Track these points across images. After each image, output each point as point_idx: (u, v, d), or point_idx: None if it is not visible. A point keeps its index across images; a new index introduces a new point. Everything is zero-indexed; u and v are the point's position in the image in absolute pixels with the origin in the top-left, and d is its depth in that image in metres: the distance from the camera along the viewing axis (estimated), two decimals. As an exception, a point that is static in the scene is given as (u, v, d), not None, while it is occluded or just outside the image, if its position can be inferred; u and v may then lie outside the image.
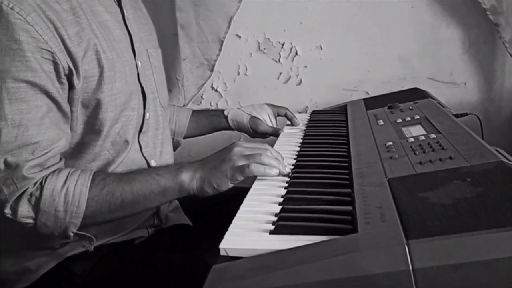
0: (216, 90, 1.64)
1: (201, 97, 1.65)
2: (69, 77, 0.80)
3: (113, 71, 0.85)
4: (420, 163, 0.76)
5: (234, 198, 1.09)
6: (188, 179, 0.81)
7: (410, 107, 1.14)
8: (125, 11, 0.92)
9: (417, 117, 1.05)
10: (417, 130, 0.96)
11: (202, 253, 1.02)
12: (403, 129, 0.99)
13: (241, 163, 0.80)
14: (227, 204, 1.08)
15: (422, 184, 0.68)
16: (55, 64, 0.78)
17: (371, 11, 1.50)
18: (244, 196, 0.78)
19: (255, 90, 1.60)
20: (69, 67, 0.79)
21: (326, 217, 0.65)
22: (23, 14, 0.75)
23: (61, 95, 0.80)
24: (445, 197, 0.62)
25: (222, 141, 1.65)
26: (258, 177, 0.83)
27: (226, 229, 0.66)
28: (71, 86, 0.81)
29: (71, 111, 0.83)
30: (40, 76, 0.76)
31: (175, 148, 1.15)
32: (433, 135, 0.89)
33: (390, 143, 0.90)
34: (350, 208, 0.67)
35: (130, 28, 0.92)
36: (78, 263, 0.88)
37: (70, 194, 0.77)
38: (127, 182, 0.81)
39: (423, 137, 0.89)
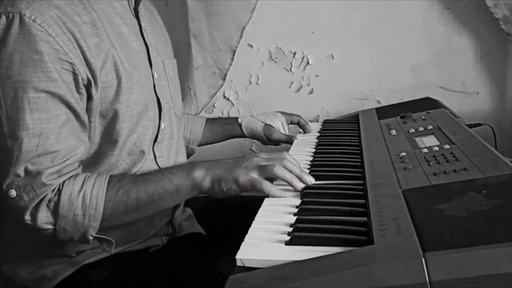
0: (228, 99, 1.65)
1: (213, 105, 1.66)
2: (88, 87, 0.82)
3: (130, 82, 0.86)
4: (435, 174, 0.76)
5: (247, 206, 1.11)
6: (201, 176, 0.81)
7: (423, 117, 1.14)
8: (142, 23, 0.93)
9: (430, 127, 1.05)
10: (431, 141, 0.96)
11: (215, 261, 1.03)
12: (416, 139, 0.99)
13: (254, 175, 0.80)
14: (239, 212, 1.09)
15: (437, 196, 0.68)
16: (75, 75, 0.80)
17: (383, 21, 1.50)
18: (257, 204, 0.78)
19: (266, 99, 1.61)
20: (88, 78, 0.81)
21: (341, 228, 0.66)
22: (45, 26, 0.76)
23: (80, 105, 0.81)
24: (461, 209, 0.62)
25: (233, 150, 1.66)
26: None
27: (239, 238, 0.67)
28: (89, 97, 0.83)
29: (89, 121, 0.84)
30: (60, 86, 0.78)
31: (189, 156, 1.16)
32: (447, 146, 0.89)
33: (404, 153, 0.90)
34: (365, 219, 0.68)
35: (146, 40, 0.93)
36: (94, 271, 0.89)
37: (87, 197, 0.78)
38: (141, 182, 0.81)
39: (436, 148, 0.89)
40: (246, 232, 0.68)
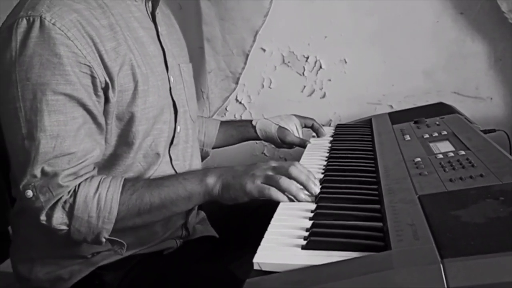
0: (240, 103, 1.66)
1: (226, 109, 1.67)
2: (105, 90, 0.83)
3: (146, 85, 0.87)
4: (451, 180, 0.76)
5: (260, 209, 1.10)
6: (213, 183, 0.83)
7: (437, 122, 1.14)
8: (159, 27, 0.94)
9: (445, 132, 1.04)
10: (445, 146, 0.96)
11: (228, 263, 1.03)
12: (431, 144, 0.99)
13: (260, 181, 0.80)
14: (252, 215, 1.09)
15: (454, 202, 0.68)
16: (93, 78, 0.81)
17: (396, 25, 1.50)
18: (270, 207, 0.79)
19: (279, 102, 1.62)
20: (105, 81, 0.82)
21: (357, 233, 0.66)
22: (64, 30, 0.78)
23: (97, 108, 0.82)
24: (478, 216, 0.62)
25: (245, 153, 1.67)
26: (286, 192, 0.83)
27: (252, 241, 0.67)
28: (106, 100, 0.84)
29: (106, 123, 0.85)
30: (78, 89, 0.79)
31: (203, 159, 1.17)
32: (462, 152, 0.88)
33: (418, 159, 0.90)
34: (380, 224, 0.68)
35: (163, 44, 0.94)
36: (110, 273, 0.90)
37: (102, 200, 0.79)
38: (155, 187, 0.82)
39: (452, 154, 0.89)
40: (259, 235, 0.68)
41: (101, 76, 0.81)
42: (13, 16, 0.80)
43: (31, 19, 0.77)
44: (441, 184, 0.76)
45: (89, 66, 0.80)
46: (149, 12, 0.94)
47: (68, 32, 0.78)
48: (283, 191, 0.80)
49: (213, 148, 1.23)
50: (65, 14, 0.78)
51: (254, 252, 0.63)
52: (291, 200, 0.80)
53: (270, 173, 0.81)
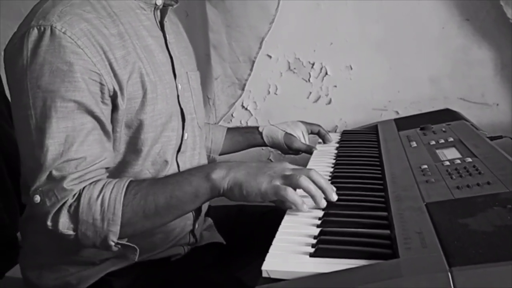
0: (246, 109, 1.67)
1: (232, 115, 1.68)
2: (114, 98, 0.83)
3: (155, 93, 0.88)
4: (458, 187, 0.76)
5: (267, 216, 1.11)
6: (220, 176, 0.79)
7: (443, 129, 1.14)
8: (167, 36, 0.95)
9: (451, 139, 1.04)
10: (452, 153, 0.96)
11: (235, 270, 1.04)
12: (437, 151, 0.99)
13: (277, 183, 0.77)
14: (259, 222, 1.10)
15: (461, 210, 0.68)
16: (101, 86, 0.81)
17: (402, 32, 1.51)
18: (276, 214, 0.79)
19: (284, 109, 1.62)
20: (114, 89, 0.82)
21: (365, 241, 0.66)
22: (74, 38, 0.78)
23: (105, 116, 0.83)
24: (486, 224, 0.62)
25: (251, 159, 1.67)
26: None
27: (259, 247, 0.67)
28: (115, 107, 0.84)
29: (115, 131, 0.85)
30: (86, 96, 0.79)
31: (210, 165, 1.17)
32: (469, 159, 0.89)
33: (425, 166, 0.90)
34: (388, 232, 0.68)
35: (171, 52, 0.95)
36: (118, 279, 0.90)
37: (106, 201, 0.78)
38: (160, 186, 0.80)
39: (458, 161, 0.89)
40: (266, 242, 0.68)
41: (110, 84, 0.82)
42: (24, 26, 0.81)
43: (42, 28, 0.78)
44: (448, 191, 0.76)
45: (98, 73, 0.80)
46: (157, 20, 0.95)
47: (78, 41, 0.79)
48: (301, 189, 0.77)
49: (220, 154, 1.23)
50: (75, 23, 0.79)
51: (261, 259, 0.64)
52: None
53: (288, 173, 0.78)
